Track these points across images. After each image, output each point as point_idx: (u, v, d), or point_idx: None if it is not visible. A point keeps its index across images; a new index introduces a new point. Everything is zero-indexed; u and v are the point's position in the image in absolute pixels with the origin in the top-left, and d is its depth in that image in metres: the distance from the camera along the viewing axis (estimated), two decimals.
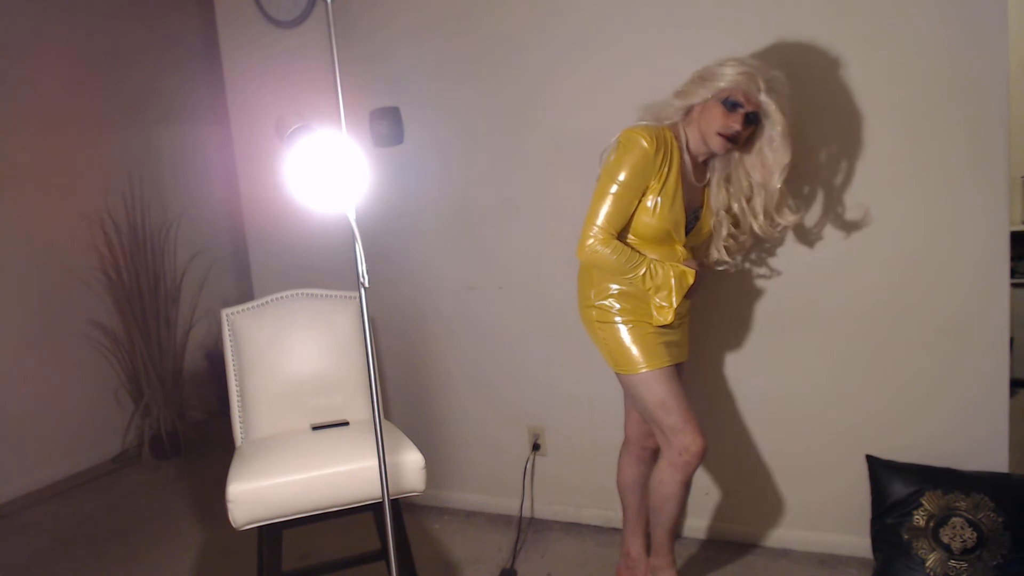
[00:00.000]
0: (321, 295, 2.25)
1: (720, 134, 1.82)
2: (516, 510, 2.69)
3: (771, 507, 2.40)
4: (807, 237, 2.21)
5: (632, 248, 1.89)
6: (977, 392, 2.09)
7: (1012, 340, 2.09)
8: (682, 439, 1.87)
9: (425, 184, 2.72)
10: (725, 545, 2.44)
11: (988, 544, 1.96)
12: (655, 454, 2.11)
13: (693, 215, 1.96)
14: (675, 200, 1.87)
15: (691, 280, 1.88)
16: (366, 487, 1.84)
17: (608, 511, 2.60)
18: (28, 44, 3.37)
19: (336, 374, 2.18)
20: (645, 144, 1.82)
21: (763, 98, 1.81)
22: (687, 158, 1.92)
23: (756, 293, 2.31)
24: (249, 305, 2.22)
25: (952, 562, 1.98)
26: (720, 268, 2.10)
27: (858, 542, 2.25)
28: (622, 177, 1.83)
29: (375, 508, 1.91)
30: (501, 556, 2.50)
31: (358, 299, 1.54)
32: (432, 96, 2.65)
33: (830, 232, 2.19)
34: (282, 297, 2.23)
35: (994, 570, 1.94)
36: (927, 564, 2.00)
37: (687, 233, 1.95)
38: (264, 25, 2.89)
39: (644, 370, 1.89)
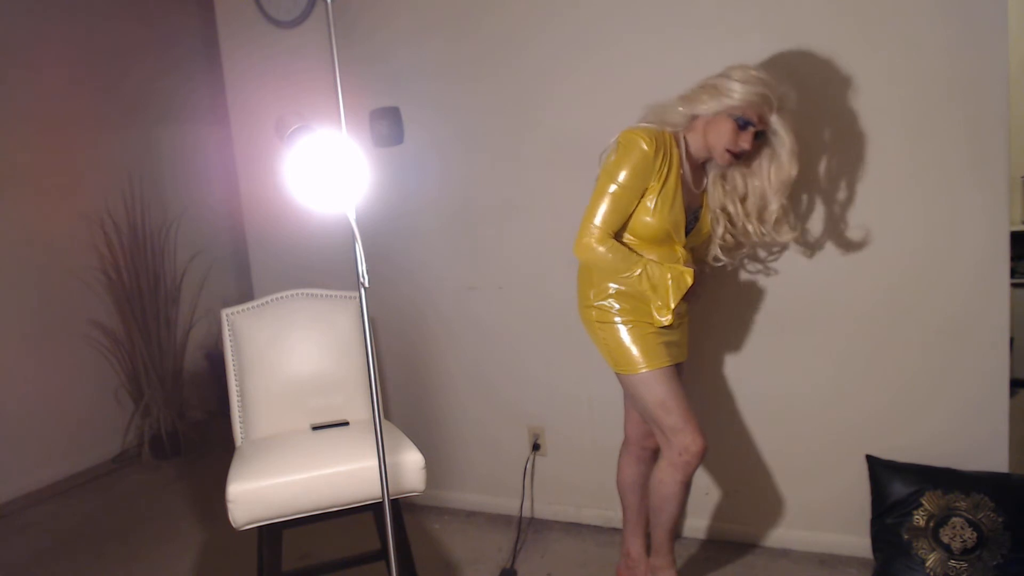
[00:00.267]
0: (321, 295, 2.25)
1: (729, 151, 1.83)
2: (516, 510, 2.69)
3: (771, 507, 2.40)
4: (807, 237, 2.21)
5: (629, 248, 1.89)
6: (977, 392, 2.09)
7: (1012, 340, 2.09)
8: (682, 439, 1.87)
9: (425, 184, 2.72)
10: (725, 545, 2.44)
11: (988, 544, 1.96)
12: (655, 454, 2.11)
13: (693, 216, 1.96)
14: (675, 201, 1.87)
15: (690, 281, 1.87)
16: (366, 487, 1.84)
17: (608, 511, 2.60)
18: (28, 44, 3.37)
19: (336, 374, 2.18)
20: (645, 146, 1.82)
21: (774, 118, 1.82)
22: (686, 161, 1.92)
23: (756, 293, 2.31)
24: (249, 305, 2.22)
25: (952, 562, 1.98)
26: (717, 264, 2.10)
27: (858, 542, 2.25)
28: (621, 178, 1.83)
29: (375, 508, 1.91)
30: (501, 556, 2.50)
31: (358, 299, 1.54)
32: (432, 96, 2.65)
33: (829, 232, 2.19)
34: (282, 297, 2.23)
35: (994, 570, 1.94)
36: (927, 564, 2.00)
37: (687, 234, 1.95)
38: (264, 25, 2.89)
39: (644, 370, 1.89)
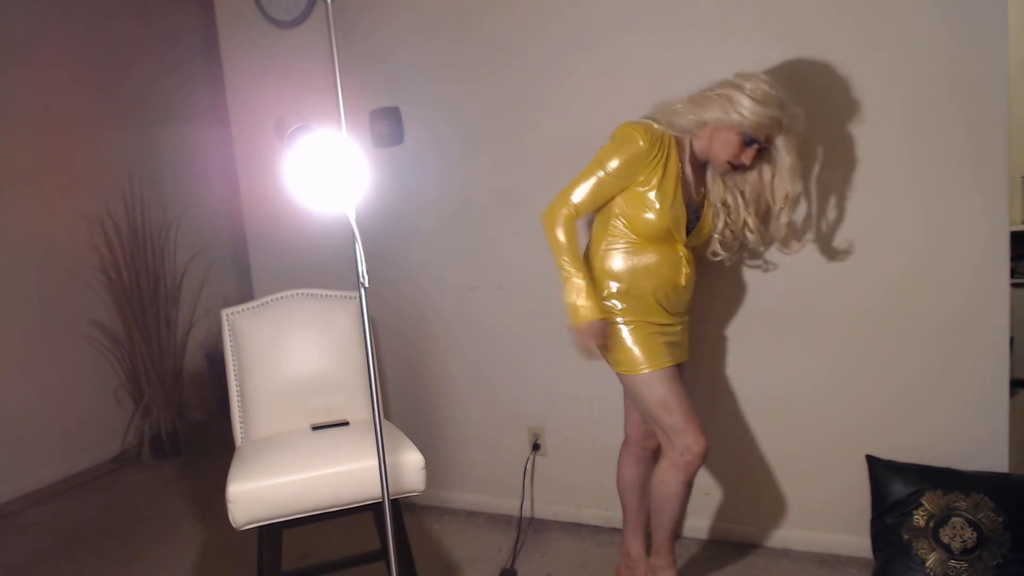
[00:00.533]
0: (321, 295, 2.25)
1: (729, 162, 1.85)
2: (516, 510, 2.69)
3: (771, 507, 2.40)
4: (807, 237, 2.21)
5: (626, 244, 1.90)
6: (977, 392, 2.09)
7: (1012, 340, 2.09)
8: (684, 439, 1.87)
9: (425, 184, 2.72)
10: (725, 545, 2.44)
11: (988, 544, 1.96)
12: (655, 454, 2.11)
13: (695, 215, 1.96)
14: (675, 199, 1.88)
15: (575, 322, 1.86)
16: (366, 487, 1.84)
17: (608, 511, 2.60)
18: (28, 44, 3.37)
19: (336, 374, 2.18)
20: (641, 142, 1.84)
21: (780, 139, 1.84)
22: (689, 162, 1.92)
23: (756, 293, 2.31)
24: (249, 305, 2.22)
25: (952, 562, 1.98)
26: (716, 259, 2.09)
27: (858, 542, 2.25)
28: (610, 167, 1.86)
29: (375, 508, 1.91)
30: (501, 556, 2.50)
31: (358, 299, 1.54)
32: (432, 96, 2.65)
33: (829, 233, 2.19)
34: (282, 297, 2.23)
35: (994, 570, 1.94)
36: (927, 564, 2.00)
37: (688, 233, 1.95)
38: (264, 25, 2.89)
39: (646, 371, 1.89)
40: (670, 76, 2.22)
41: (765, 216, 2.01)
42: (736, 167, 1.88)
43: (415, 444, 1.96)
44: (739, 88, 1.79)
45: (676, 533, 2.06)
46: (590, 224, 2.05)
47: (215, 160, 4.13)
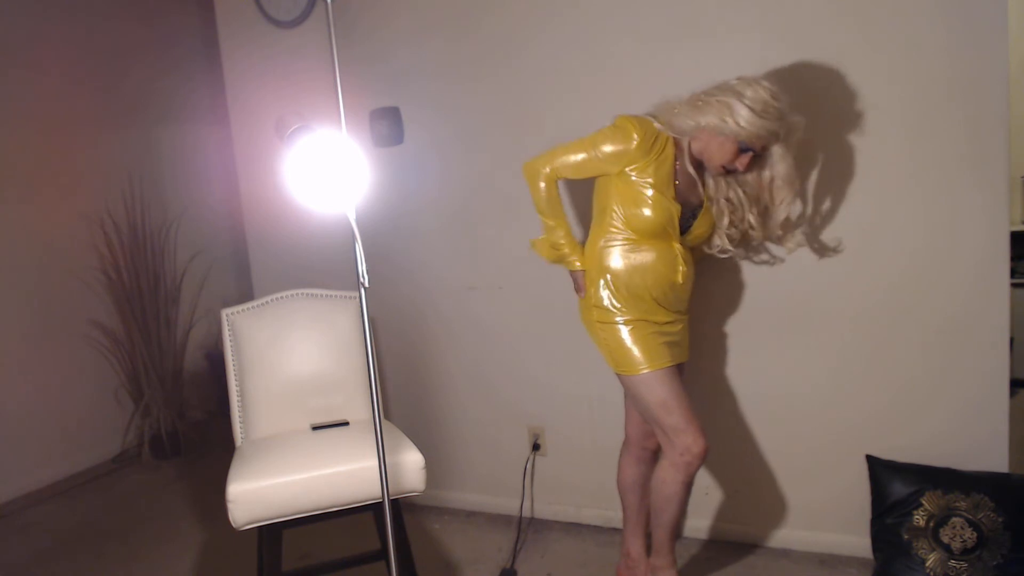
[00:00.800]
0: (321, 295, 2.25)
1: (724, 167, 1.86)
2: (516, 510, 2.69)
3: (771, 507, 2.39)
4: (807, 238, 2.21)
5: (625, 241, 1.93)
6: (977, 392, 2.09)
7: (1012, 340, 2.09)
8: (684, 439, 1.87)
9: (425, 184, 2.72)
10: (726, 545, 2.44)
11: (988, 544, 1.96)
12: (655, 454, 2.11)
13: (691, 213, 1.96)
14: (667, 194, 1.88)
15: (572, 270, 2.00)
16: (366, 487, 1.84)
17: (608, 511, 2.60)
18: (28, 44, 3.37)
19: (336, 374, 2.18)
20: (635, 137, 1.86)
21: (776, 147, 1.84)
22: (689, 162, 1.92)
23: (756, 293, 2.31)
24: (249, 305, 2.22)
25: (952, 562, 1.98)
26: (723, 256, 2.08)
27: (858, 542, 2.25)
28: (601, 151, 1.90)
29: (375, 508, 1.91)
30: (501, 556, 2.50)
31: (358, 299, 1.54)
32: (432, 96, 2.65)
33: (829, 233, 2.19)
34: (282, 297, 2.23)
35: (994, 570, 1.94)
36: (927, 564, 2.00)
37: (684, 231, 1.95)
38: (264, 25, 2.89)
39: (645, 371, 1.89)
40: (670, 76, 2.22)
41: (764, 214, 2.01)
42: (730, 172, 1.88)
43: (415, 444, 1.95)
44: (739, 96, 1.76)
45: (676, 533, 2.06)
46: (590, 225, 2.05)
47: (215, 160, 4.13)
